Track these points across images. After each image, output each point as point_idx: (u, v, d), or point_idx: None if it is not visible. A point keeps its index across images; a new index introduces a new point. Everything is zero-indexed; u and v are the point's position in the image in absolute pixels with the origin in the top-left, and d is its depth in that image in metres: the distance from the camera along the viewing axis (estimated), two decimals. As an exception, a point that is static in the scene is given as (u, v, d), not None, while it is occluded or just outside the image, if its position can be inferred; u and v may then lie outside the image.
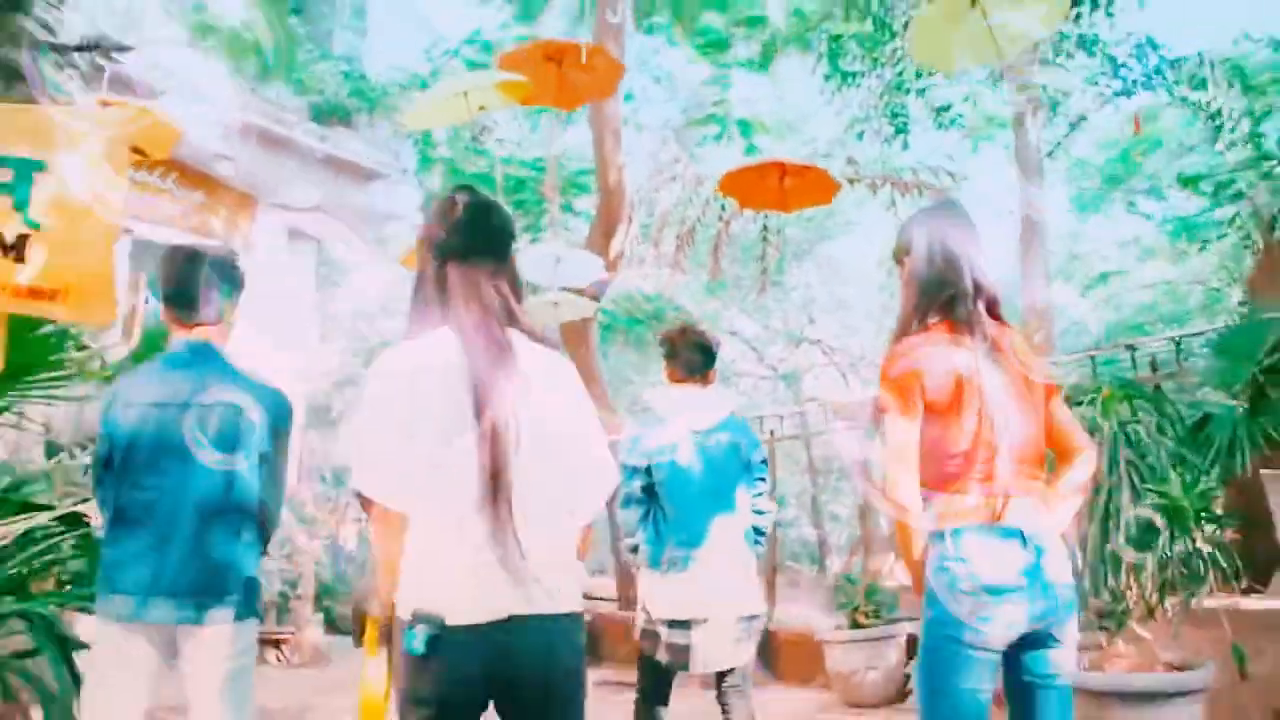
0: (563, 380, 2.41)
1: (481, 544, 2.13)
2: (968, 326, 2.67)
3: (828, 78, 14.31)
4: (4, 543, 3.37)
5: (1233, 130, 9.43)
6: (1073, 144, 13.84)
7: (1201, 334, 6.63)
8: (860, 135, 14.43)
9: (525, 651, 2.16)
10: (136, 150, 4.81)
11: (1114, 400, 4.87)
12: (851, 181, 11.40)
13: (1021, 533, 2.53)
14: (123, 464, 3.03)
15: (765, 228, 11.91)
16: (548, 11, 14.15)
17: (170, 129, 5.14)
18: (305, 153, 12.06)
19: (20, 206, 3.68)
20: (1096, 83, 11.47)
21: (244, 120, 11.08)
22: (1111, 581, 4.65)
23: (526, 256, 10.28)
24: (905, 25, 12.93)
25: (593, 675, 8.93)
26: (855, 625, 7.57)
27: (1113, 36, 11.03)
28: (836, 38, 13.78)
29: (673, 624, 4.02)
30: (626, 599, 10.99)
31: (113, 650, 2.95)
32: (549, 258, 9.34)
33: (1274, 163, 8.18)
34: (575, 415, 2.40)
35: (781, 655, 8.63)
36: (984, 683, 2.54)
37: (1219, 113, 10.52)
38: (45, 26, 4.87)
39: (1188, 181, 10.25)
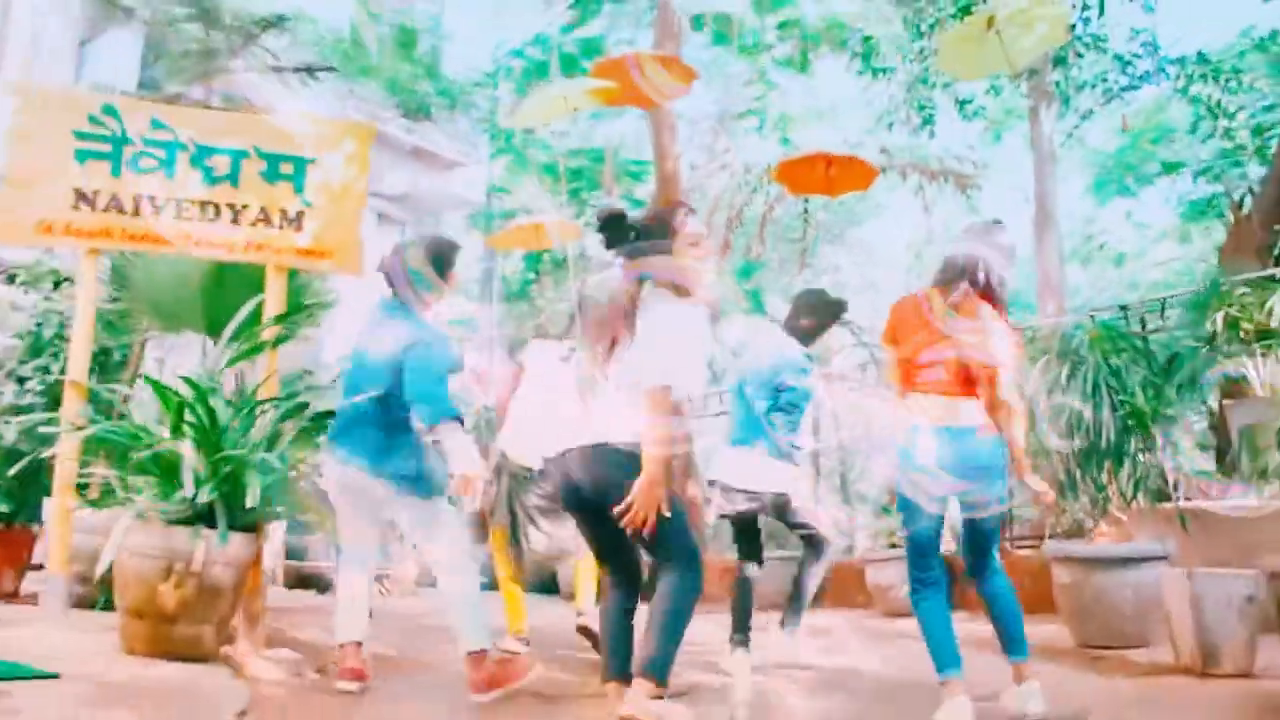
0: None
1: None
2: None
3: (860, 73, 15.65)
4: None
5: (1230, 118, 10.72)
6: (1086, 134, 15.06)
7: (1179, 295, 7.95)
8: (890, 126, 15.71)
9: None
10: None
11: (1100, 340, 6.25)
12: (884, 169, 12.72)
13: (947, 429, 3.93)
14: None
15: (805, 210, 13.24)
16: (605, 14, 15.53)
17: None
18: (395, 144, 13.50)
19: (299, 191, 5.16)
20: (1106, 79, 12.75)
21: (344, 116, 12.53)
22: (1095, 477, 6.03)
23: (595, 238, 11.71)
24: (931, 26, 14.29)
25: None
26: (892, 546, 8.90)
27: (1120, 36, 12.31)
28: (869, 38, 15.09)
29: None
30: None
31: None
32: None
33: (1243, 151, 9.45)
34: None
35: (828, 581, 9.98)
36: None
37: (1219, 105, 11.84)
38: (270, 53, 6.31)
39: (1170, 167, 11.50)
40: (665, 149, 13.07)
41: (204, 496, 4.07)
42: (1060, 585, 6.02)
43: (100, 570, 4.04)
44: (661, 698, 3.28)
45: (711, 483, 5.34)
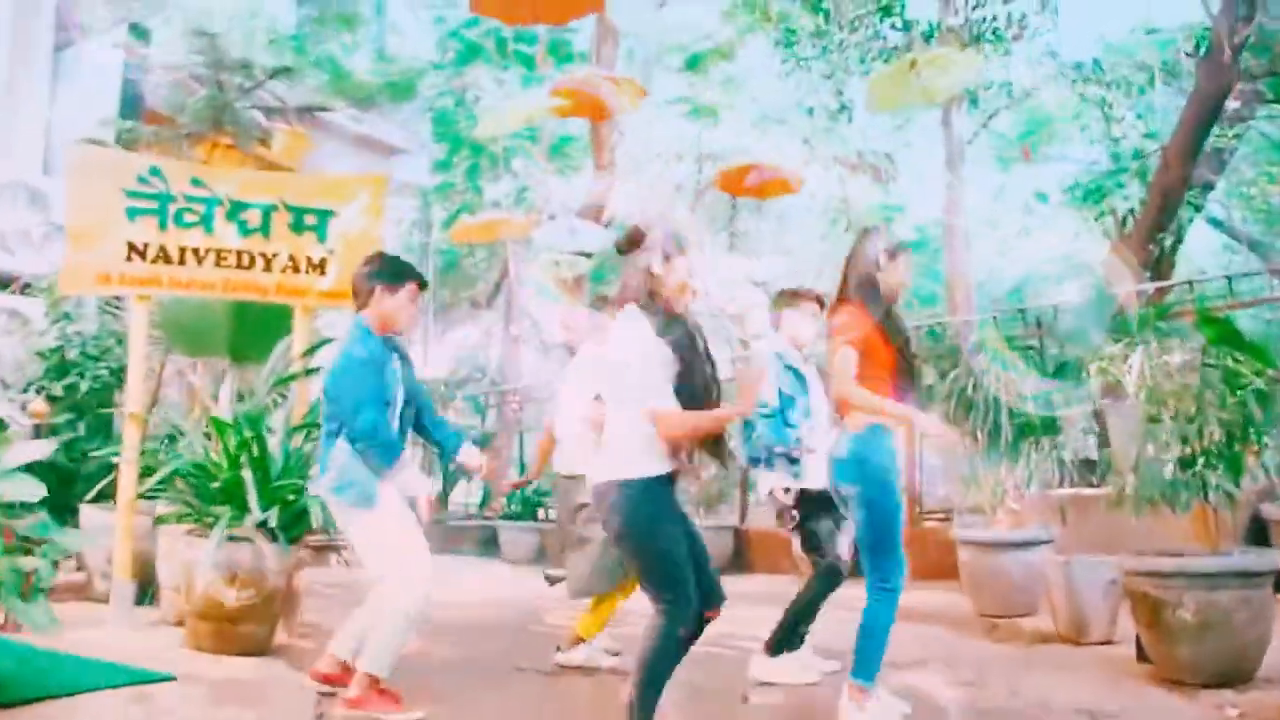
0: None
1: None
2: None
3: (784, 61, 16.52)
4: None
5: (1115, 141, 11.94)
6: (992, 127, 16.22)
7: (1068, 304, 9.05)
8: (810, 111, 16.64)
9: None
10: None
11: (1000, 354, 7.32)
12: (807, 161, 13.73)
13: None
14: None
15: (733, 201, 14.19)
16: None
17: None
18: (341, 134, 14.01)
19: (322, 239, 5.92)
20: (1010, 83, 13.88)
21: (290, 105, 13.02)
22: (996, 474, 7.12)
23: (546, 227, 12.54)
24: (852, 21, 15.22)
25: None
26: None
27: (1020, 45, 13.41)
28: (791, 30, 15.95)
29: None
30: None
31: None
32: (565, 229, 11.67)
33: (1123, 174, 10.63)
34: None
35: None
36: None
37: (1109, 108, 13.07)
38: (276, 96, 6.98)
39: (1071, 189, 12.61)
40: (603, 140, 13.88)
41: (271, 520, 4.86)
42: (964, 562, 7.12)
43: (200, 590, 4.79)
44: None
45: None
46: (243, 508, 5.02)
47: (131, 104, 8.72)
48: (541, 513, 12.60)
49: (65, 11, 9.83)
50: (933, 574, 9.15)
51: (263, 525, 4.91)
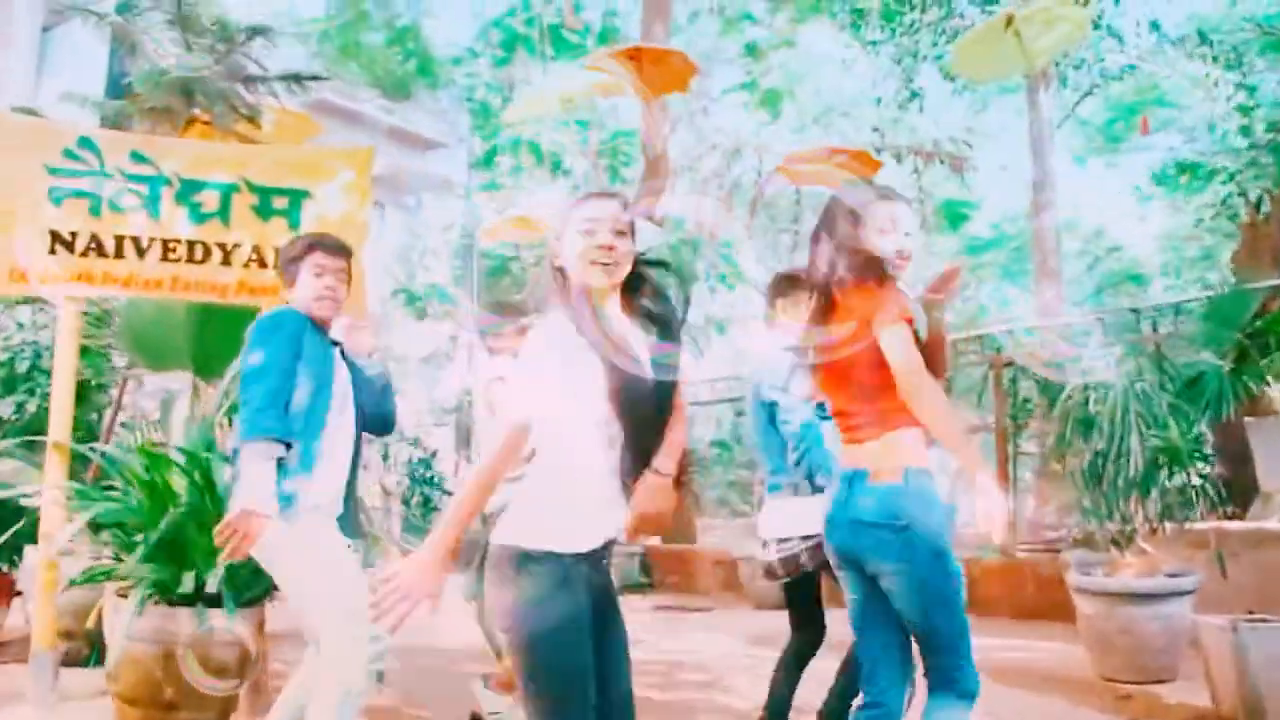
0: None
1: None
2: None
3: (848, 46, 15.32)
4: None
5: (1246, 113, 10.51)
6: (1083, 110, 14.82)
7: (1194, 300, 7.78)
8: (878, 100, 15.41)
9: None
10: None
11: (1124, 361, 6.04)
12: (878, 150, 12.46)
13: None
14: None
15: (799, 191, 12.98)
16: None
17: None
18: (373, 125, 13.07)
19: (294, 226, 4.81)
20: (1104, 59, 12.49)
21: (320, 97, 12.09)
22: (1122, 508, 5.84)
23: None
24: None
25: (649, 600, 10.10)
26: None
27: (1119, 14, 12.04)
28: (858, 10, 14.74)
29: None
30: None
31: None
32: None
33: (1258, 150, 9.24)
34: None
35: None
36: None
37: (1215, 84, 11.63)
38: (255, 61, 5.93)
39: (1184, 169, 11.29)
40: (655, 130, 12.74)
41: (211, 584, 3.78)
42: (1084, 615, 5.86)
43: (109, 666, 3.73)
44: None
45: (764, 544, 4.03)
46: (180, 564, 3.96)
47: (117, 84, 7.83)
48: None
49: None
50: (1033, 613, 7.99)
51: (200, 587, 3.84)
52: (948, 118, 15.66)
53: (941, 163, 11.96)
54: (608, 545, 2.41)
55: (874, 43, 15.09)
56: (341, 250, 3.48)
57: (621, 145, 16.26)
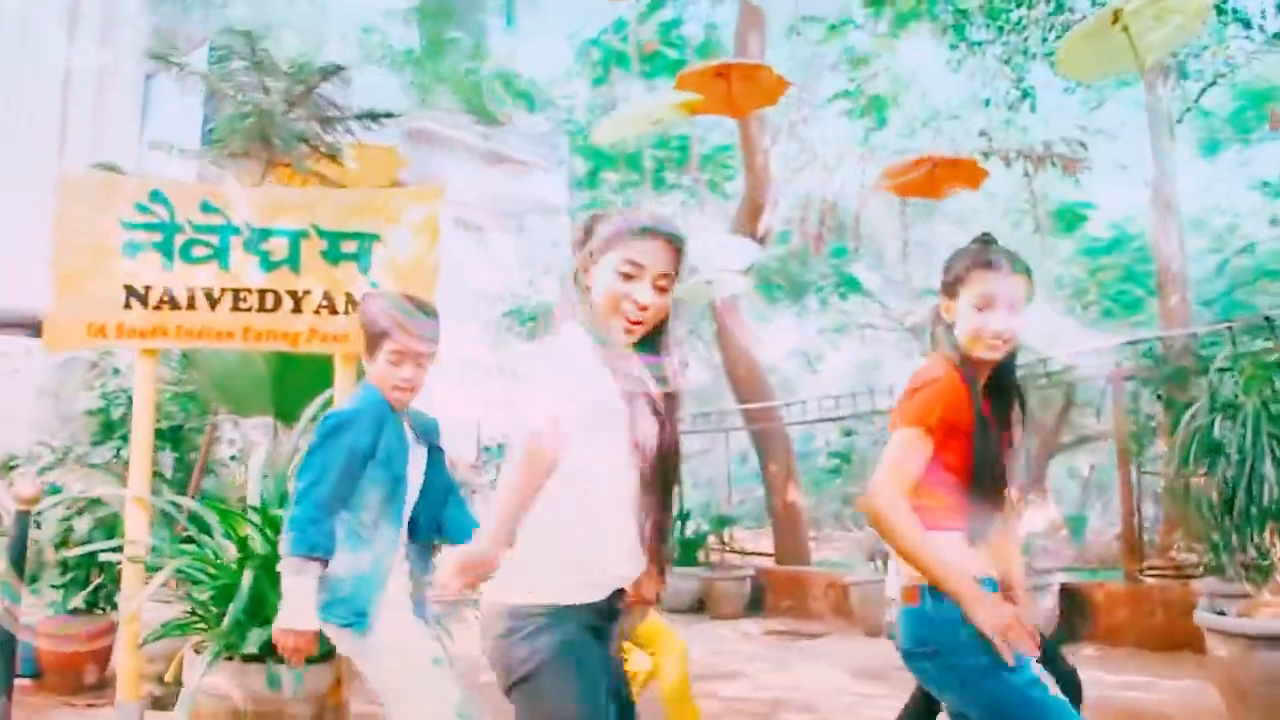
0: None
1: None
2: None
3: (953, 47, 14.77)
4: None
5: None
6: (1207, 101, 14.01)
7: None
8: (987, 102, 14.83)
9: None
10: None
11: (1256, 379, 5.55)
12: (985, 155, 11.98)
13: None
14: None
15: (903, 206, 12.58)
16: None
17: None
18: (469, 150, 13.14)
19: (364, 271, 4.74)
20: (1228, 45, 11.76)
21: (418, 127, 12.19)
22: (1257, 539, 5.37)
23: (693, 242, 11.22)
24: (1030, -5, 13.38)
25: (760, 625, 9.89)
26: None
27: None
28: (962, 10, 14.20)
29: None
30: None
31: None
32: (704, 243, 10.34)
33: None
34: None
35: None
36: None
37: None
38: (331, 102, 5.91)
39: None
40: (754, 142, 12.51)
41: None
42: (1216, 659, 5.38)
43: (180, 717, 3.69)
44: None
45: None
46: (252, 618, 3.90)
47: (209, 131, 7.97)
48: (702, 554, 11.55)
49: (162, 38, 9.26)
50: (1162, 643, 7.53)
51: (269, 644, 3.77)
52: (1061, 117, 14.99)
53: (1054, 164, 11.40)
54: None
55: (979, 43, 14.53)
56: (426, 336, 3.20)
57: (722, 158, 16.05)
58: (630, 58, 15.22)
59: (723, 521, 12.53)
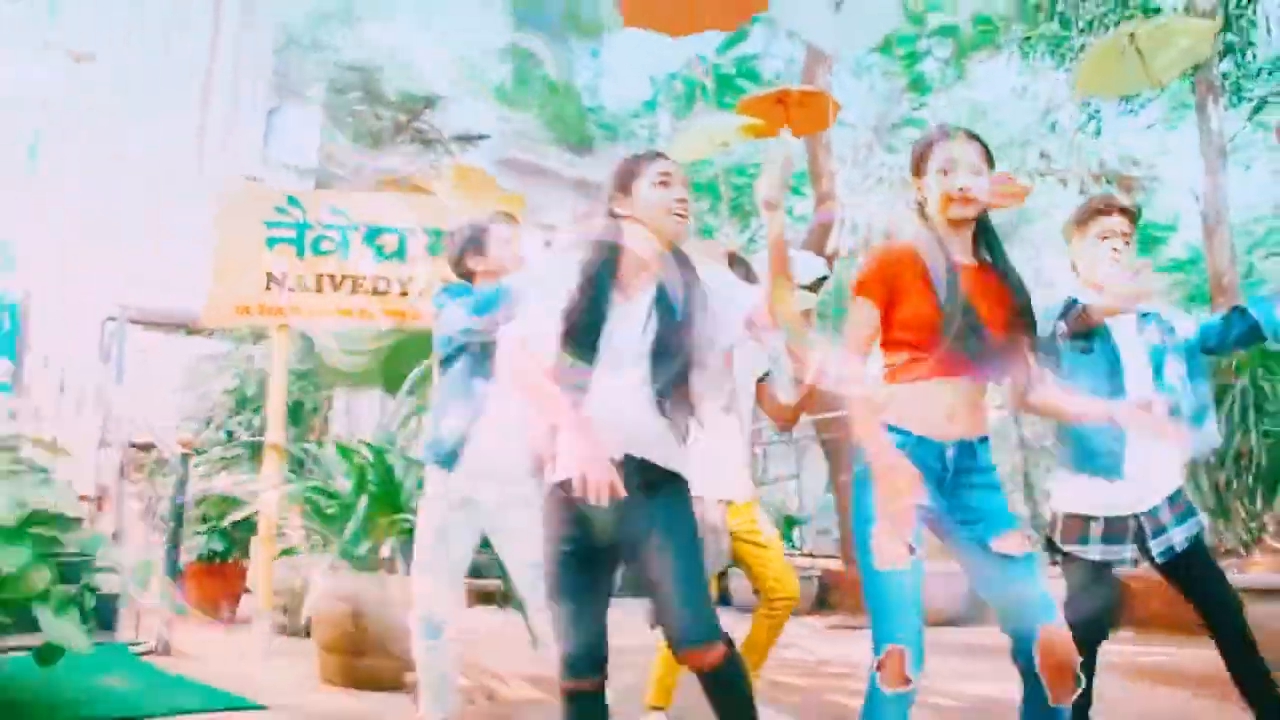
0: None
1: None
2: None
3: (1020, 74, 15.38)
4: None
5: None
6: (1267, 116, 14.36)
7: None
8: (1053, 126, 15.35)
9: None
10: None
11: (1248, 363, 6.17)
12: (1043, 175, 12.57)
13: None
14: None
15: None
16: (756, 34, 15.83)
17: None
18: (556, 178, 14.16)
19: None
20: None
21: (509, 156, 13.25)
22: (1248, 506, 5.97)
23: (759, 259, 12.02)
24: (1090, 23, 13.95)
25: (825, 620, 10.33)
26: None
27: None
28: (1027, 38, 14.82)
29: None
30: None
31: None
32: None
33: None
34: None
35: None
36: None
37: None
38: (430, 124, 6.90)
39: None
40: (820, 166, 13.26)
41: (385, 550, 4.62)
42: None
43: (304, 617, 4.62)
44: None
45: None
46: (362, 534, 4.83)
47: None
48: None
49: (280, 74, 10.47)
50: (1172, 629, 7.87)
51: (370, 553, 4.69)
52: (1130, 138, 15.44)
53: (1109, 183, 11.93)
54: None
55: (1043, 69, 15.10)
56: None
57: (794, 184, 16.81)
58: (709, 90, 16.12)
59: (791, 523, 13.15)
